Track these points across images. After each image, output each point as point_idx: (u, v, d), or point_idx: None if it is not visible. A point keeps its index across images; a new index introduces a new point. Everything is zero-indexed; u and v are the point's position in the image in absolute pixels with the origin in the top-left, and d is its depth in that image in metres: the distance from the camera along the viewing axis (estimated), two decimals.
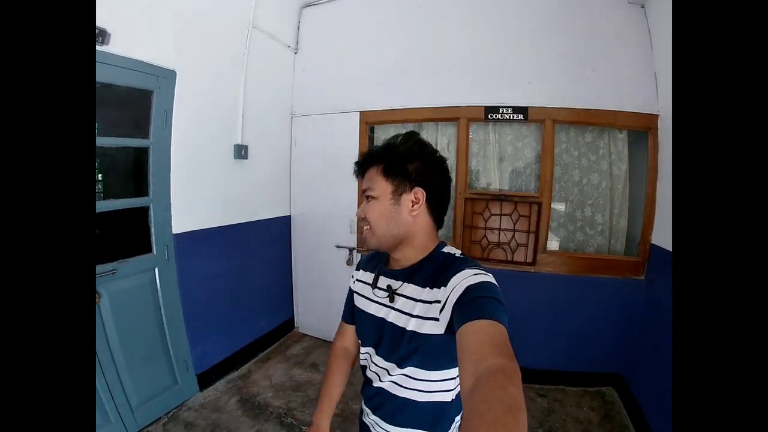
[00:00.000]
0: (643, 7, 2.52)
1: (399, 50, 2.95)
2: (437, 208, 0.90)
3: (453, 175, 2.82)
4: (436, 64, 2.84)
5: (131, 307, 2.16)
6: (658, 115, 2.49)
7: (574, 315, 2.69)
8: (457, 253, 0.89)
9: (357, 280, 1.08)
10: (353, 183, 3.01)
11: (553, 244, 2.78)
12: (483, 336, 0.61)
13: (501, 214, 2.77)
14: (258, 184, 3.01)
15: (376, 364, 0.93)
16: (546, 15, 2.63)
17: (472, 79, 2.76)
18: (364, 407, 1.01)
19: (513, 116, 2.68)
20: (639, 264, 2.57)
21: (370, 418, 0.98)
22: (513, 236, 2.75)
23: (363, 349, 1.00)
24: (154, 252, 2.26)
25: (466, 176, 2.83)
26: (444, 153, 2.81)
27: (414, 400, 0.87)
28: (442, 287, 0.78)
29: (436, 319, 0.78)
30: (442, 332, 0.77)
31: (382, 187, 0.87)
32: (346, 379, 1.18)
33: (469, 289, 0.71)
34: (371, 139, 3.16)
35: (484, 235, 2.81)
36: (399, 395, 0.88)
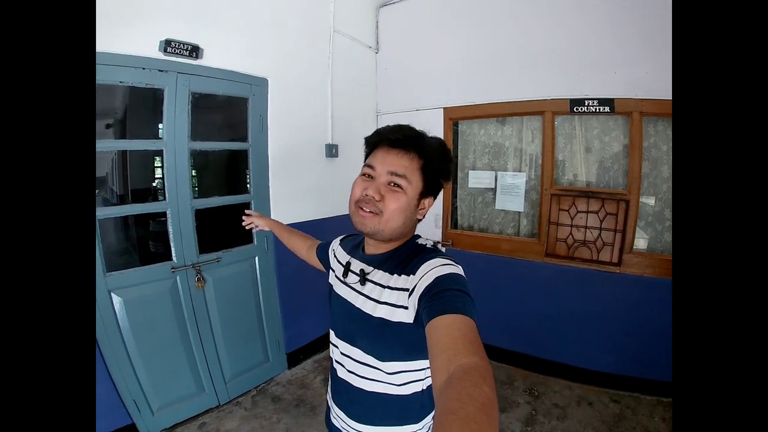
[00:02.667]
0: None
1: (479, 44, 2.92)
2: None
3: (539, 170, 2.84)
4: (517, 57, 2.77)
5: (232, 291, 2.45)
6: None
7: (655, 321, 2.50)
8: (429, 243, 0.89)
9: (334, 252, 1.09)
10: None
11: (640, 243, 2.61)
12: (454, 331, 0.60)
13: (588, 212, 2.65)
14: (348, 180, 3.20)
15: (341, 351, 0.93)
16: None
17: (555, 70, 2.65)
18: (332, 405, 1.00)
19: (599, 109, 2.54)
20: None
21: (339, 419, 0.96)
22: (599, 234, 2.63)
23: (332, 339, 0.99)
24: (255, 243, 2.54)
25: (552, 171, 2.74)
26: (529, 147, 2.83)
27: (378, 393, 0.85)
28: (411, 275, 0.78)
29: (406, 308, 0.77)
30: (411, 322, 0.76)
31: (416, 183, 0.84)
32: (297, 246, 1.36)
33: (438, 281, 0.70)
34: (456, 133, 3.19)
35: (570, 233, 2.71)
36: (365, 389, 0.87)
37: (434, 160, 0.84)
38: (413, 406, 0.87)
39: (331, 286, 1.02)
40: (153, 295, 2.10)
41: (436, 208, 3.18)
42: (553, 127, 2.71)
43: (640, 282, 2.52)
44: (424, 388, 0.87)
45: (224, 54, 2.23)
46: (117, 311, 1.95)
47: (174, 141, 2.10)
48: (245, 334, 2.56)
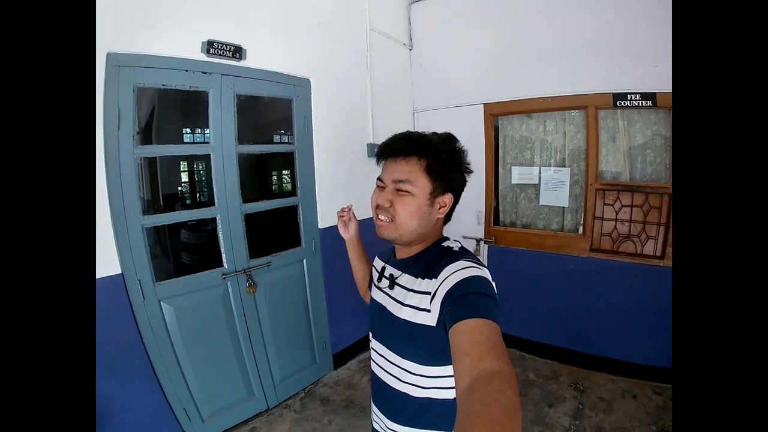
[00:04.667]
0: None
1: (515, 39, 2.90)
2: (451, 210, 0.92)
3: (583, 165, 2.82)
4: (557, 51, 2.75)
5: (282, 295, 2.46)
6: None
7: None
8: (456, 246, 0.88)
9: (374, 265, 1.11)
10: (480, 175, 3.10)
11: None
12: (477, 335, 0.60)
13: (632, 206, 2.65)
14: None
15: (377, 352, 0.95)
16: None
17: (597, 65, 2.63)
18: (372, 406, 1.02)
19: (641, 103, 2.52)
20: None
21: (378, 419, 0.98)
22: (643, 228, 2.63)
23: (370, 340, 1.02)
24: (303, 245, 2.53)
25: (596, 166, 2.73)
26: (572, 142, 2.82)
27: (411, 396, 0.86)
28: (434, 278, 0.78)
29: (428, 311, 0.77)
30: (434, 325, 0.76)
31: (422, 184, 0.84)
32: (362, 272, 1.31)
33: (461, 284, 0.70)
34: (496, 129, 3.18)
35: (614, 227, 2.71)
36: (398, 389, 0.88)
37: (438, 157, 0.84)
38: (446, 413, 0.86)
39: (371, 294, 1.05)
40: (204, 303, 2.10)
41: (477, 204, 3.18)
42: (596, 122, 2.70)
43: None
44: (455, 397, 0.86)
45: (267, 55, 2.21)
46: (167, 321, 1.94)
47: (221, 145, 2.08)
48: (294, 337, 2.56)
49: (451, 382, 0.84)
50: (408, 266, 0.90)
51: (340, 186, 2.72)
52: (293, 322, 2.55)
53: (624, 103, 2.57)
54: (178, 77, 1.88)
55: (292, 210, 2.49)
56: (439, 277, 0.76)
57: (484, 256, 3.21)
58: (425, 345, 0.81)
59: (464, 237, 3.29)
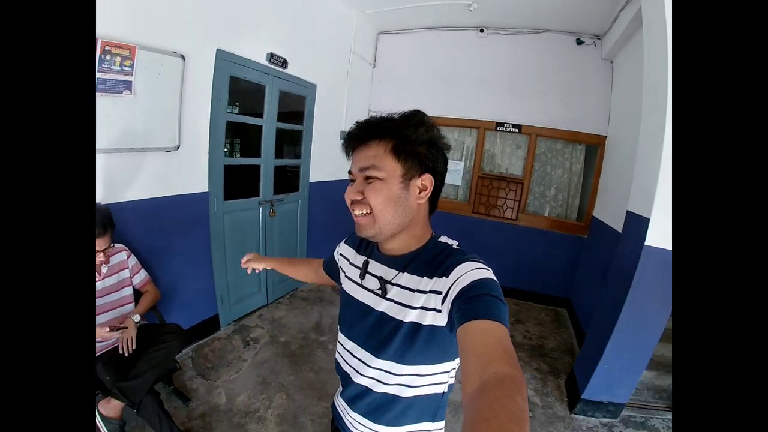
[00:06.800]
0: (611, 62, 3.86)
1: (441, 70, 4.46)
2: (436, 195, 0.85)
3: (472, 162, 4.45)
4: (468, 85, 4.39)
5: (287, 222, 3.71)
6: (606, 136, 3.99)
7: (541, 256, 4.37)
8: (454, 244, 0.85)
9: (341, 254, 1.04)
10: None
11: (531, 208, 4.48)
12: (489, 338, 0.58)
13: (499, 188, 4.45)
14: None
15: (359, 358, 0.88)
16: (539, 65, 4.14)
17: (488, 103, 4.34)
18: (344, 407, 0.95)
19: (512, 130, 4.30)
20: (582, 228, 4.22)
21: (350, 418, 0.92)
22: (505, 201, 4.43)
23: (345, 343, 0.93)
24: (300, 191, 3.81)
25: (480, 163, 4.51)
26: (467, 147, 4.50)
27: (401, 397, 0.83)
28: (444, 277, 0.74)
29: (439, 311, 0.74)
30: (443, 325, 0.73)
31: (391, 167, 0.77)
32: (304, 274, 1.27)
33: (474, 285, 0.68)
34: None
35: (488, 200, 4.50)
36: (388, 393, 0.83)
37: (404, 135, 0.77)
38: (433, 405, 0.86)
39: (346, 290, 0.96)
40: (246, 219, 3.22)
41: None
42: (484, 137, 4.45)
43: (529, 230, 4.39)
44: (445, 390, 0.85)
45: (297, 66, 3.39)
46: (225, 227, 3.00)
47: (270, 121, 3.26)
48: (288, 252, 3.82)
49: (444, 377, 0.83)
50: (406, 265, 0.83)
51: (323, 157, 4.02)
52: (290, 241, 3.81)
53: (501, 128, 4.30)
54: (252, 74, 2.96)
55: (297, 168, 3.75)
56: (450, 276, 0.72)
57: None
58: (427, 345, 0.77)
59: None
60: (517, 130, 4.28)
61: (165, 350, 1.89)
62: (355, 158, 0.82)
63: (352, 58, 4.19)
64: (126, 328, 1.84)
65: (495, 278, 0.71)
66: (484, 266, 0.73)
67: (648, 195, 2.13)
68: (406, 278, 0.82)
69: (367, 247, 0.96)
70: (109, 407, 1.72)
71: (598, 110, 4.04)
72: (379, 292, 0.85)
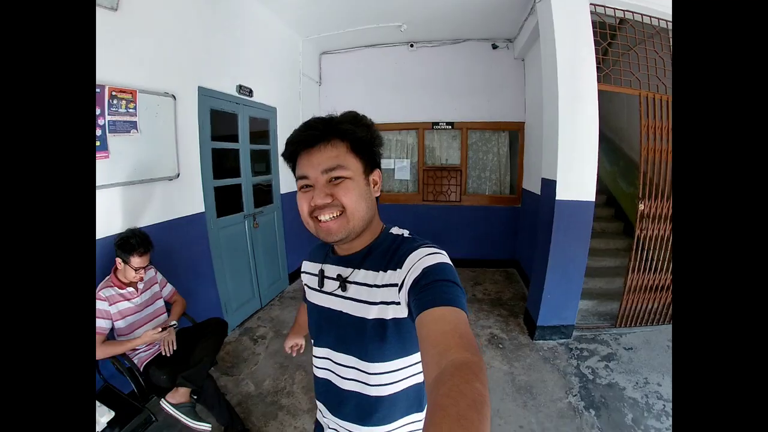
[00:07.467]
0: (523, 60, 4.73)
1: (379, 83, 5.11)
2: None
3: (416, 158, 5.14)
4: (403, 92, 5.08)
5: (269, 231, 4.11)
6: (524, 122, 4.85)
7: (486, 228, 5.17)
8: (405, 233, 0.84)
9: (304, 272, 1.01)
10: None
11: (471, 189, 5.26)
12: (444, 325, 0.58)
13: (442, 177, 5.21)
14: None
15: (335, 362, 0.86)
16: (463, 69, 4.92)
17: (423, 106, 5.07)
18: (328, 417, 0.91)
19: (446, 127, 5.08)
20: (516, 199, 5.09)
21: (338, 425, 0.89)
22: (448, 188, 5.20)
23: (318, 352, 0.92)
24: (274, 203, 4.23)
25: (423, 158, 5.24)
26: (411, 146, 5.23)
27: (383, 396, 0.81)
28: (398, 269, 0.74)
29: (398, 303, 0.73)
30: (405, 316, 0.73)
31: (354, 165, 0.78)
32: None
33: (426, 272, 0.67)
34: None
35: (433, 188, 5.24)
36: (371, 394, 0.81)
37: (357, 133, 0.79)
38: (415, 396, 0.84)
39: (310, 300, 0.95)
40: (236, 233, 3.59)
41: None
42: (423, 136, 5.20)
43: (473, 208, 5.17)
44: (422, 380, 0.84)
45: (260, 93, 3.83)
46: (222, 241, 3.36)
47: (244, 144, 3.68)
48: (273, 258, 4.23)
49: (419, 368, 0.81)
50: (360, 262, 0.82)
51: (288, 171, 4.40)
52: (272, 248, 4.22)
53: (437, 127, 5.06)
54: (227, 105, 3.38)
55: (269, 183, 4.19)
56: (404, 266, 0.72)
57: None
58: (395, 339, 0.77)
59: None
60: (450, 127, 5.07)
61: (215, 337, 2.30)
62: (311, 161, 0.78)
63: (302, 79, 4.68)
64: (175, 324, 2.21)
65: (448, 261, 0.71)
66: (436, 250, 0.73)
67: (552, 163, 2.94)
68: (362, 275, 0.81)
69: (325, 256, 0.94)
70: (178, 395, 2.09)
71: (515, 101, 4.88)
72: (339, 291, 0.84)
